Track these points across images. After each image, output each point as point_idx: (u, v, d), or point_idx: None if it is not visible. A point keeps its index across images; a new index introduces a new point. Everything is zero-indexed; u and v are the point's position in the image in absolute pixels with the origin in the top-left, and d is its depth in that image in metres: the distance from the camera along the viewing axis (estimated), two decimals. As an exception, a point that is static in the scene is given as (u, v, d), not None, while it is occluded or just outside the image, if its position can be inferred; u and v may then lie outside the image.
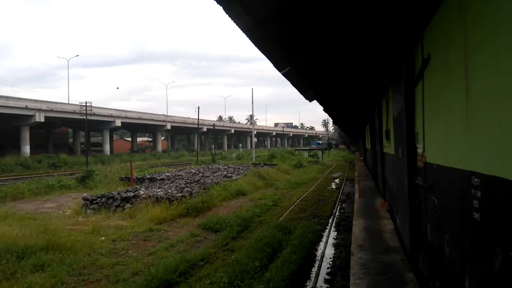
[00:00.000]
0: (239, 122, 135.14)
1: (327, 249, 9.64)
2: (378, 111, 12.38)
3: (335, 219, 13.28)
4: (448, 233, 3.69)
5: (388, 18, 4.34)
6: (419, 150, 5.02)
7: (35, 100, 49.08)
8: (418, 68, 4.87)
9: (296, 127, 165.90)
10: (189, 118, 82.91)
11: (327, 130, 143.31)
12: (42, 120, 49.23)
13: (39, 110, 48.72)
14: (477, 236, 2.85)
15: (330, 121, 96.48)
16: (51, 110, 50.82)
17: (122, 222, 12.61)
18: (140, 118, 68.58)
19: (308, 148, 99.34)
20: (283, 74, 5.88)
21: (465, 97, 3.04)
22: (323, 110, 13.59)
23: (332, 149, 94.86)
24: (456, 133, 3.38)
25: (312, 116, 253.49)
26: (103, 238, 10.48)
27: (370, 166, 20.79)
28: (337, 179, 28.26)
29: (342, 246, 9.62)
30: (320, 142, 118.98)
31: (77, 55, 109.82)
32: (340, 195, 18.92)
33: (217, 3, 3.23)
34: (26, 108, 46.97)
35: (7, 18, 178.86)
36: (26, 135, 48.65)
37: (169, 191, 15.95)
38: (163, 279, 7.05)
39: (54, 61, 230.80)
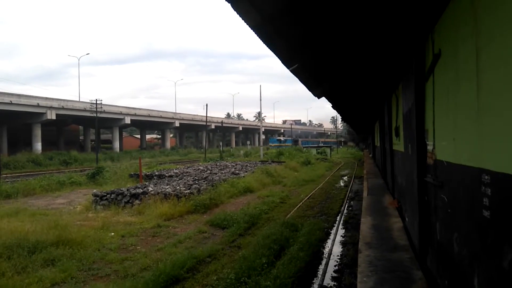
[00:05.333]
0: (247, 119, 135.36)
1: (334, 247, 9.60)
2: (387, 107, 12.27)
3: (343, 216, 13.22)
4: (457, 231, 3.65)
5: (398, 13, 4.29)
6: (429, 147, 4.96)
7: (46, 98, 49.72)
8: (429, 64, 4.81)
9: (304, 124, 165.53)
10: (197, 115, 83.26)
11: (335, 127, 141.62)
12: (54, 117, 49.88)
13: (51, 107, 49.36)
14: (486, 234, 2.81)
15: (339, 118, 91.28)
16: (62, 108, 51.46)
17: (131, 218, 12.71)
18: (149, 116, 69.04)
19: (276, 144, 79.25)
20: (292, 71, 5.86)
21: (476, 93, 2.99)
22: (332, 107, 13.52)
23: (341, 146, 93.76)
24: (467, 130, 3.33)
25: (320, 113, 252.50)
26: (113, 233, 10.57)
27: (379, 163, 20.66)
28: (346, 177, 28.12)
29: (349, 244, 9.58)
30: (282, 138, 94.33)
31: (88, 53, 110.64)
32: (348, 192, 18.83)
33: (226, 0, 3.23)
34: (38, 105, 47.63)
35: (19, 17, 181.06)
36: (37, 132, 49.34)
37: (177, 188, 16.03)
38: (171, 275, 7.09)
39: (65, 59, 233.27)
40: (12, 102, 43.87)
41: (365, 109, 15.95)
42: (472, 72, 3.08)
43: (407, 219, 7.52)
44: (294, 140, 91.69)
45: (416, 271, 4.85)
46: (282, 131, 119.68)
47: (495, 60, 2.66)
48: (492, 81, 2.71)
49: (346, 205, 15.46)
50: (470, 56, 3.14)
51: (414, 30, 4.94)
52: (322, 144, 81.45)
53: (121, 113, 61.98)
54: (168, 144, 77.69)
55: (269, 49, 4.72)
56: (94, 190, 16.70)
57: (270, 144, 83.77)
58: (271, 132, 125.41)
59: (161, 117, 72.10)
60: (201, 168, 27.71)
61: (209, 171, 24.67)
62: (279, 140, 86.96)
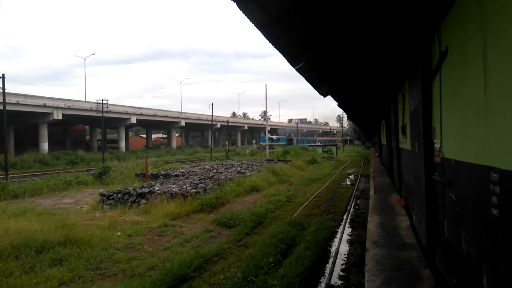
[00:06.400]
0: (252, 118, 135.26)
1: (341, 246, 9.58)
2: (394, 106, 12.22)
3: (349, 215, 13.18)
4: (466, 229, 3.62)
5: (405, 10, 4.26)
6: (437, 145, 4.93)
7: (52, 98, 50.03)
8: (435, 62, 4.78)
9: (310, 123, 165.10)
10: (203, 114, 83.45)
11: (341, 125, 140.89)
12: (60, 117, 50.20)
13: (57, 108, 49.67)
14: (495, 232, 2.79)
15: (345, 116, 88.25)
16: (69, 108, 51.76)
17: (137, 217, 12.77)
18: (155, 115, 69.26)
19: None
20: (297, 70, 5.85)
21: (483, 90, 2.97)
22: (338, 105, 13.48)
23: (347, 145, 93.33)
24: (474, 128, 3.31)
25: (326, 111, 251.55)
26: (119, 233, 10.63)
27: (385, 162, 20.57)
28: (352, 175, 28.04)
29: (356, 243, 9.55)
30: (275, 137, 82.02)
31: (93, 54, 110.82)
32: (354, 191, 18.77)
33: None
34: (44, 106, 47.96)
35: (25, 18, 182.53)
36: (44, 132, 49.69)
37: (184, 187, 16.08)
38: (178, 274, 7.11)
39: (71, 59, 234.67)
40: (19, 102, 44.17)
41: (371, 108, 15.88)
42: (479, 69, 3.06)
43: (414, 217, 7.48)
44: (289, 138, 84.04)
45: (424, 270, 4.83)
46: (287, 129, 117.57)
47: (502, 57, 2.64)
48: (500, 79, 2.69)
49: (353, 204, 15.40)
50: (477, 53, 3.11)
51: (420, 28, 4.91)
52: (319, 143, 77.03)
53: (127, 113, 62.24)
54: (174, 144, 77.92)
55: (274, 48, 4.71)
56: (101, 190, 16.80)
57: (260, 143, 74.61)
58: (277, 131, 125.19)
59: (166, 116, 72.31)
60: (207, 167, 27.77)
61: (215, 170, 24.72)
62: (271, 139, 75.17)
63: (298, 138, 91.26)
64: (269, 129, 67.84)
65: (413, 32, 5.10)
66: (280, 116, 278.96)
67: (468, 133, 3.53)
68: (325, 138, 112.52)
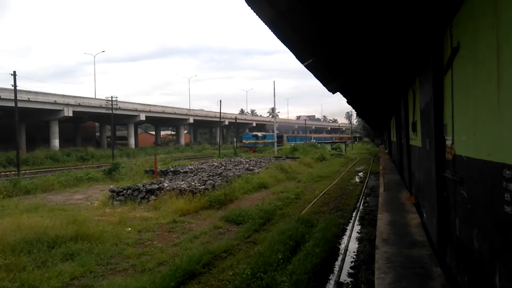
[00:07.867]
0: (260, 115, 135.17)
1: (350, 243, 9.56)
2: (404, 102, 12.10)
3: (358, 213, 13.13)
4: (478, 227, 3.58)
5: (416, 4, 4.20)
6: (448, 142, 4.87)
7: (63, 95, 50.54)
8: (447, 58, 4.71)
9: (318, 119, 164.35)
10: (211, 111, 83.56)
11: (350, 122, 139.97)
12: (71, 114, 50.71)
13: (68, 105, 50.17)
14: (508, 230, 2.75)
15: (354, 113, 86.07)
16: (79, 105, 52.25)
17: (147, 213, 12.87)
18: (163, 112, 69.59)
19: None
20: (306, 66, 5.81)
21: (497, 87, 2.92)
22: (347, 102, 13.38)
23: (356, 142, 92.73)
24: (487, 124, 3.26)
25: (335, 108, 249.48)
26: (129, 229, 10.73)
27: (395, 159, 20.42)
28: (361, 173, 27.90)
29: (366, 240, 9.51)
30: (260, 134, 68.37)
31: (103, 51, 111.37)
32: (364, 188, 18.68)
33: (240, -5, 3.22)
34: (55, 103, 48.48)
35: (36, 16, 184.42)
36: (55, 129, 50.28)
37: (192, 183, 16.16)
38: (187, 270, 7.18)
39: (81, 57, 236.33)
40: (30, 99, 44.68)
41: (380, 104, 15.74)
42: (492, 65, 3.01)
43: (425, 215, 7.42)
44: (278, 136, 69.40)
45: (435, 268, 4.78)
46: (295, 126, 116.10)
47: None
48: (514, 74, 2.64)
49: (362, 201, 15.35)
50: (490, 49, 3.07)
51: (432, 23, 4.84)
52: (314, 140, 71.78)
53: (136, 110, 62.62)
54: (183, 141, 78.24)
55: (283, 45, 4.69)
56: (111, 186, 16.98)
57: (243, 141, 65.20)
58: (285, 128, 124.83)
59: (175, 113, 72.60)
60: (216, 164, 27.86)
61: (223, 167, 24.78)
62: (256, 136, 65.10)
63: (288, 135, 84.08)
64: (277, 126, 67.29)
65: (424, 26, 5.03)
66: (288, 113, 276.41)
67: (480, 130, 3.48)
68: (320, 135, 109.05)
